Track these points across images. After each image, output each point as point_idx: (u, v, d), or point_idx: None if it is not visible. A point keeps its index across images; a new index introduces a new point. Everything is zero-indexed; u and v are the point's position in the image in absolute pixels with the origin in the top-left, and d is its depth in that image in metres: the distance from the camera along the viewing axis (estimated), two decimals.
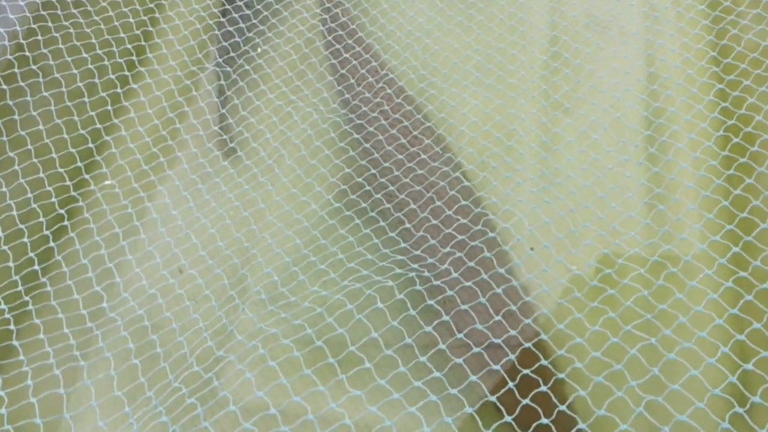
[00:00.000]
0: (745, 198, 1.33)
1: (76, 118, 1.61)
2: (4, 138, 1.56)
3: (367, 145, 1.60)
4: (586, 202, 1.45)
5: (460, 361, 1.18)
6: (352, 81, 1.73)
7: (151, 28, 1.86)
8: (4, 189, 1.51)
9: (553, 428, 1.06)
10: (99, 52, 1.72)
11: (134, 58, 1.78)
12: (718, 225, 1.31)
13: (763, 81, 1.51)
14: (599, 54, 1.74)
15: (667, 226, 1.37)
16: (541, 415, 1.08)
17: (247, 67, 1.79)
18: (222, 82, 1.79)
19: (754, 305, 1.16)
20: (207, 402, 1.26)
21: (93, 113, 1.62)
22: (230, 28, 1.85)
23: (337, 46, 1.80)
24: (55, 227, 1.47)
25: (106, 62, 1.72)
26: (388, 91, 1.68)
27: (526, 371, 1.14)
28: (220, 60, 1.82)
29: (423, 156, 1.56)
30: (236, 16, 1.85)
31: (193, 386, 1.27)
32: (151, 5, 1.87)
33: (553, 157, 1.59)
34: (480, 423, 1.07)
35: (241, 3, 1.88)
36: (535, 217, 1.44)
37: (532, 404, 1.09)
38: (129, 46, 1.78)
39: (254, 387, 1.19)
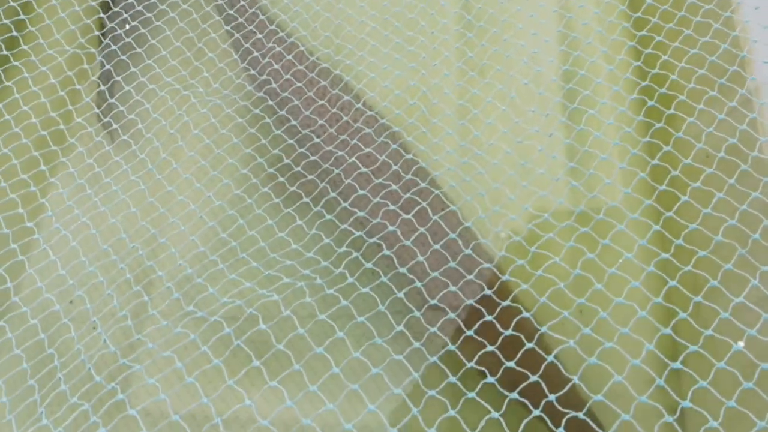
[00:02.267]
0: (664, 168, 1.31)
1: None
2: None
3: (279, 131, 1.49)
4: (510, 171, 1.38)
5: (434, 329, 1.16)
6: (258, 55, 1.60)
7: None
8: None
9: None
10: None
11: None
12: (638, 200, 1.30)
13: (676, 36, 1.47)
14: (513, 5, 1.61)
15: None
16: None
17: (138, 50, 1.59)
18: (108, 67, 1.63)
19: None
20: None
21: None
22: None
23: (240, 20, 1.66)
24: None
25: None
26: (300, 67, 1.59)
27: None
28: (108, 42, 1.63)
29: (350, 128, 1.49)
30: None
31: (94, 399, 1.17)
32: None
33: (472, 123, 1.50)
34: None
35: None
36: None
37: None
38: None
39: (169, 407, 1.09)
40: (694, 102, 1.34)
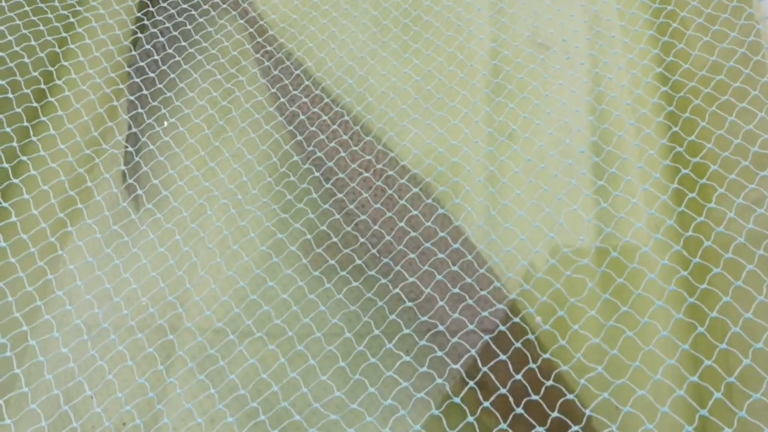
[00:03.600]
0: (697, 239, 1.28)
1: None
2: None
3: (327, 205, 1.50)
4: (536, 247, 1.37)
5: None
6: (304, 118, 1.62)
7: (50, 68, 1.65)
8: None
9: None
10: None
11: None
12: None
13: (713, 101, 1.45)
14: (543, 74, 1.64)
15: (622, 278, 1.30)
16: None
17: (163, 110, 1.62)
18: (135, 130, 1.62)
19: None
20: None
21: None
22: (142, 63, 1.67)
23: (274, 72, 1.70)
24: None
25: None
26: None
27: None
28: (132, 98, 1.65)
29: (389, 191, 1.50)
30: (149, 47, 1.70)
31: None
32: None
33: (500, 191, 1.51)
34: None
35: (156, 30, 1.73)
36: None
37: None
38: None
39: None
40: (726, 172, 1.31)
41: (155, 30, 1.76)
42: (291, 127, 1.65)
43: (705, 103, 1.44)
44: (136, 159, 1.56)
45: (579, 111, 1.60)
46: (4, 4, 1.69)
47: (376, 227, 1.44)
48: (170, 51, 1.68)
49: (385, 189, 1.51)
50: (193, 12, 1.74)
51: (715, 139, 1.37)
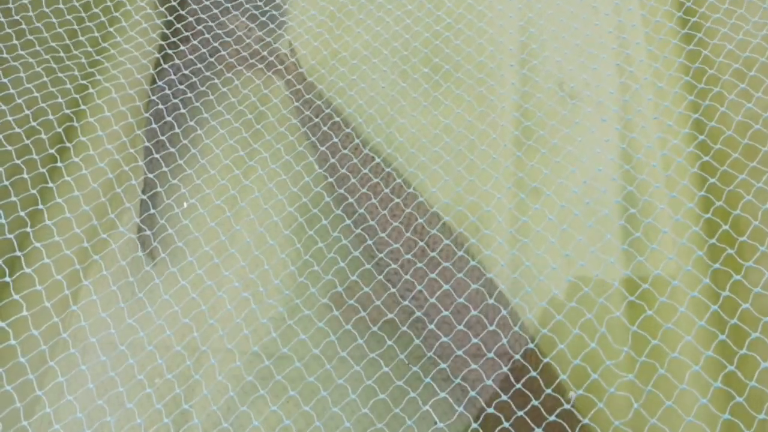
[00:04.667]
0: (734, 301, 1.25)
1: None
2: None
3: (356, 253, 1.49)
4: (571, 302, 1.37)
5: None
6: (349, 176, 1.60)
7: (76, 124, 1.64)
8: None
9: None
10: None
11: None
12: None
13: (752, 153, 1.42)
14: (571, 126, 1.63)
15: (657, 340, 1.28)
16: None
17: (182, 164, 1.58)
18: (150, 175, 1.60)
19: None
20: None
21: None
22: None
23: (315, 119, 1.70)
24: None
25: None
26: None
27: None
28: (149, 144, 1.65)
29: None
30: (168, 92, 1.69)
31: None
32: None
33: (522, 251, 1.51)
34: None
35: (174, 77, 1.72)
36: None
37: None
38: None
39: None
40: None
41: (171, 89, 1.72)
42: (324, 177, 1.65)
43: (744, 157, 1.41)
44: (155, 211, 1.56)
45: (601, 170, 1.59)
46: (22, 74, 1.63)
47: (407, 277, 1.45)
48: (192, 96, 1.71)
49: (417, 241, 1.52)
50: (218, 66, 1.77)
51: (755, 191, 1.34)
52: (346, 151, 1.64)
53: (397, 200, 1.54)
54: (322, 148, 1.64)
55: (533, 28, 1.86)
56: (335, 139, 1.64)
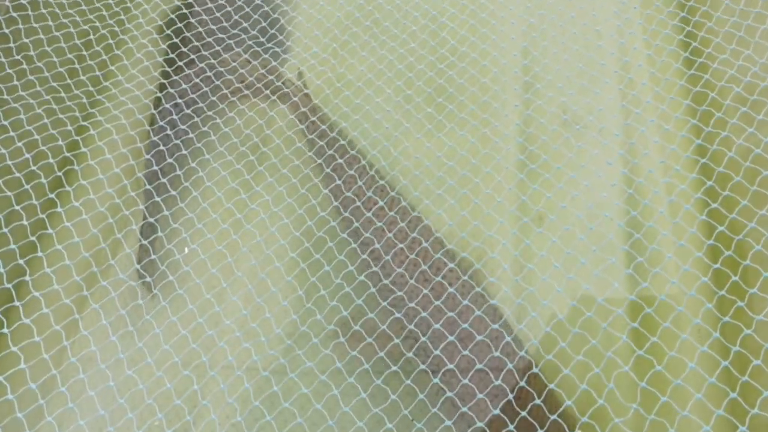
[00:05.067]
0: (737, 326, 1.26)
1: None
2: None
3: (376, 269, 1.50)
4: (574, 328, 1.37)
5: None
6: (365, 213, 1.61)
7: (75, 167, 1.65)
8: None
9: None
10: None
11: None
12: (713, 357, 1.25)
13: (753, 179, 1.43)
14: (576, 143, 1.65)
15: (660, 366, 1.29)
16: None
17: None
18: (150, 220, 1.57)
19: None
20: None
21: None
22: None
23: (322, 145, 1.71)
24: None
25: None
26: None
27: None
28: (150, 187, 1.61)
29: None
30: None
31: None
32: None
33: (526, 278, 1.52)
34: None
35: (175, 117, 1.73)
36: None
37: None
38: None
39: None
40: None
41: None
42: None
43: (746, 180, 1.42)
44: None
45: (606, 196, 1.60)
46: (23, 116, 1.62)
47: (412, 305, 1.46)
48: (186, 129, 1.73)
49: (420, 263, 1.53)
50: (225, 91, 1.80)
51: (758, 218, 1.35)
52: (352, 172, 1.66)
53: (401, 224, 1.56)
54: (327, 170, 1.66)
55: (536, 51, 1.87)
56: (340, 160, 1.66)
